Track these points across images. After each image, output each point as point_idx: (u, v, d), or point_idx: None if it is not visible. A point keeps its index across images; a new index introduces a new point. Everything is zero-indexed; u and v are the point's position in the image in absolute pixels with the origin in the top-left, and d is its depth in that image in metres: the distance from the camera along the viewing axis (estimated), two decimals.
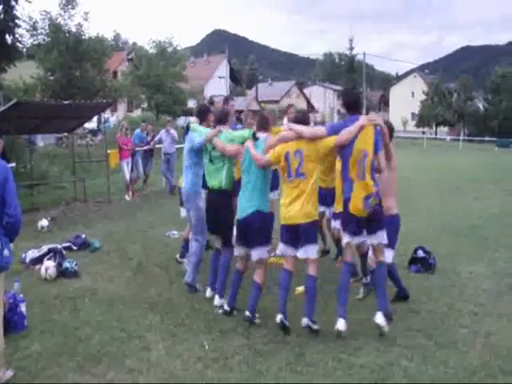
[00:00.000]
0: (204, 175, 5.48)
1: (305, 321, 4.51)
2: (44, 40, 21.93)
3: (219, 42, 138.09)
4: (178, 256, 6.74)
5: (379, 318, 4.46)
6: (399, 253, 6.29)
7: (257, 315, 4.78)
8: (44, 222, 8.63)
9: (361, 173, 4.40)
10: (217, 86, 53.37)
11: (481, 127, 53.52)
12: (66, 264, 6.19)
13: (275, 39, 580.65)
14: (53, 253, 6.37)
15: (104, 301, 5.37)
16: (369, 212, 4.41)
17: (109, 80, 24.34)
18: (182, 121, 35.57)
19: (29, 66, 21.29)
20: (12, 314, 4.50)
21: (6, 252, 3.62)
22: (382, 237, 4.62)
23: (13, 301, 4.57)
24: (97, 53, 22.29)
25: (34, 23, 21.44)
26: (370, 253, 5.03)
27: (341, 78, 62.21)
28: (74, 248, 7.26)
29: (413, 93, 66.35)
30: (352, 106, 4.69)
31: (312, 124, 5.85)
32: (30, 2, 14.10)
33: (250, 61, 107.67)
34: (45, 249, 6.53)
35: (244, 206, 4.81)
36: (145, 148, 13.11)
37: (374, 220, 4.53)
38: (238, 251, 4.96)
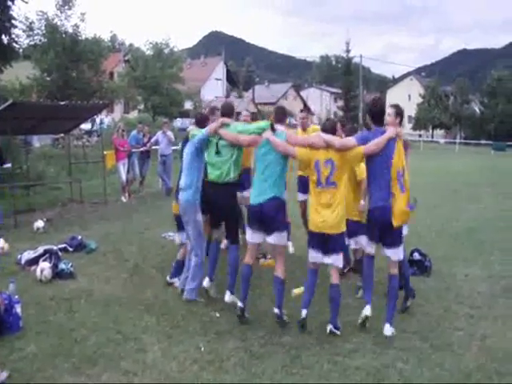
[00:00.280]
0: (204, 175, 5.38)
1: (329, 327, 4.60)
2: (40, 40, 21.83)
3: (216, 43, 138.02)
4: (168, 277, 6.06)
5: (388, 331, 4.56)
6: None
7: (284, 312, 4.80)
8: (40, 223, 8.62)
9: (400, 187, 4.53)
10: (213, 88, 53.53)
11: (477, 130, 53.62)
12: (62, 265, 6.17)
13: (272, 41, 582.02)
14: (48, 254, 6.35)
15: (100, 302, 5.35)
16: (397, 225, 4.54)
17: (105, 81, 24.25)
18: (178, 122, 35.65)
19: (25, 66, 21.22)
20: (7, 315, 4.48)
21: None
22: (398, 253, 4.71)
23: (8, 302, 4.55)
24: (93, 54, 22.21)
25: (31, 23, 21.34)
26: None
27: (337, 80, 62.25)
28: (70, 249, 7.23)
29: (409, 96, 66.33)
30: (378, 116, 4.72)
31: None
32: (26, 3, 14.06)
33: (246, 63, 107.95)
34: (40, 250, 6.50)
35: (260, 192, 4.80)
36: (141, 149, 13.09)
37: (394, 235, 4.62)
38: (251, 237, 4.91)
